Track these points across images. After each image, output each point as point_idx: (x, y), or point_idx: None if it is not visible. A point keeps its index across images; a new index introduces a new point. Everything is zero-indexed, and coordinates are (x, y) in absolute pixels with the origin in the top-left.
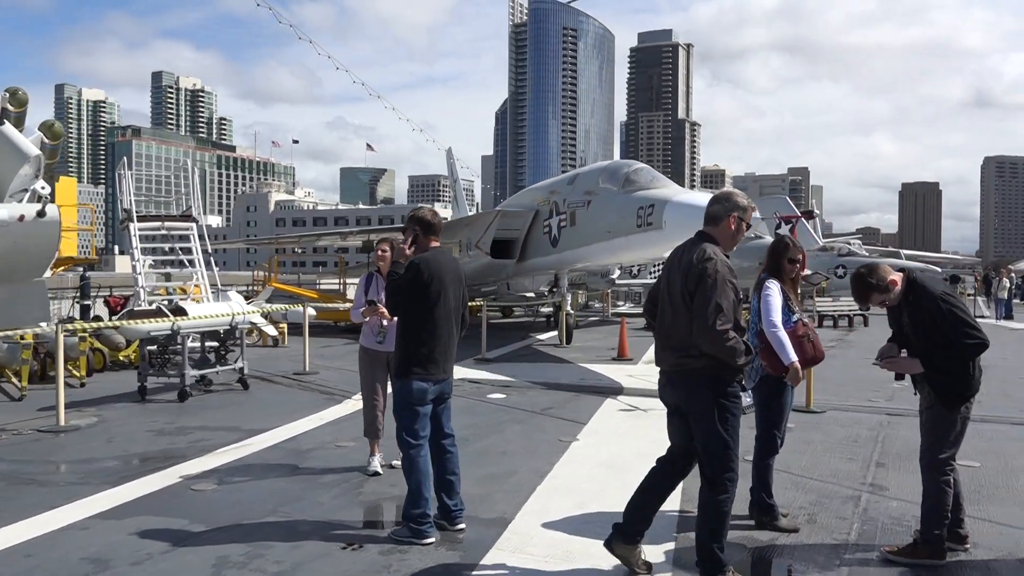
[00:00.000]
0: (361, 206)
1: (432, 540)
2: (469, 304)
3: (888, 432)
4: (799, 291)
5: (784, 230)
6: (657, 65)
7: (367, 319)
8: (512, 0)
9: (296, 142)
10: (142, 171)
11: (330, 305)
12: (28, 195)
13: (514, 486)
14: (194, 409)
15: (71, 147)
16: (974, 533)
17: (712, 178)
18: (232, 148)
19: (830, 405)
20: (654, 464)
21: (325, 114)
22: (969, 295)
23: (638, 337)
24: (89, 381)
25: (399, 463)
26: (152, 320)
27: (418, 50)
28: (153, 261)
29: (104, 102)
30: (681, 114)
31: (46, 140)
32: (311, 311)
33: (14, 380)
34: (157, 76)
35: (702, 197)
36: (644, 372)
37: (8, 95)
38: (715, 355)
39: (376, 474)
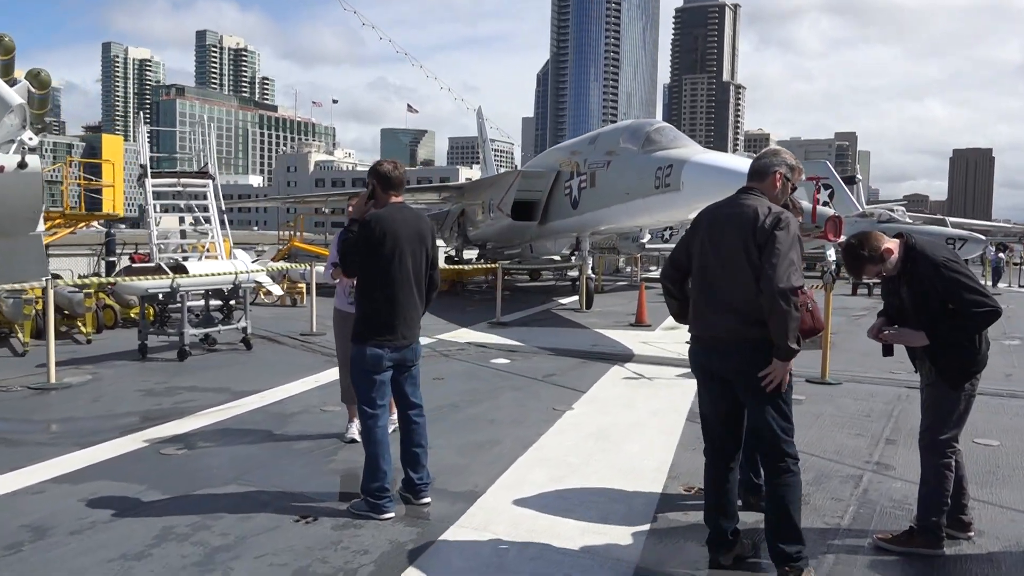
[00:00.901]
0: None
1: (390, 515)
2: (476, 266)
3: (904, 407)
4: (802, 253)
5: (824, 195)
6: (703, 26)
7: (336, 280)
8: None
9: (336, 102)
10: (186, 129)
11: None
12: (14, 146)
13: (495, 456)
14: (192, 369)
15: (117, 105)
16: (981, 519)
17: (756, 142)
18: (274, 108)
19: (848, 376)
20: (705, 464)
21: (367, 75)
22: (1016, 264)
23: (659, 303)
24: (98, 338)
25: None
26: (150, 278)
27: (460, 10)
28: (193, 219)
29: (150, 61)
30: (726, 76)
31: (33, 89)
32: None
33: (19, 335)
34: (201, 35)
35: (723, 157)
36: (660, 339)
37: None
38: (777, 321)
39: (353, 441)
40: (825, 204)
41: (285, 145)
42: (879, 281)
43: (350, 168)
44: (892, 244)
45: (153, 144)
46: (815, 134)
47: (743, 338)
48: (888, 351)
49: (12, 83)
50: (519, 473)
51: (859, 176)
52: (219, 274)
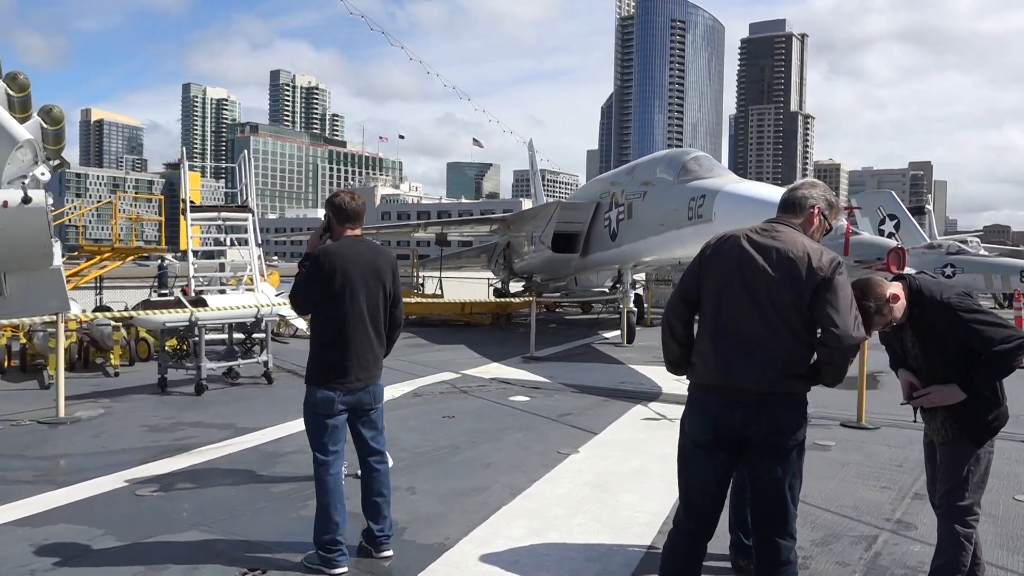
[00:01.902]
0: (463, 200)
1: (341, 570)
2: (519, 299)
3: None
4: None
5: (888, 226)
6: (769, 56)
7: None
8: None
9: (402, 137)
10: (258, 165)
11: None
12: (28, 181)
13: (478, 505)
14: (206, 404)
15: (196, 143)
16: None
17: (826, 172)
18: (343, 143)
19: (888, 420)
20: (675, 542)
21: (435, 110)
22: None
23: None
24: (129, 371)
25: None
26: (169, 311)
27: (527, 46)
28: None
29: (226, 100)
30: (794, 106)
31: (45, 125)
32: None
33: (49, 368)
34: (275, 75)
35: (756, 187)
36: None
37: (8, 79)
38: (834, 372)
39: None
40: (891, 235)
41: (353, 180)
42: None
43: (415, 201)
44: (896, 288)
45: (228, 180)
46: (888, 164)
47: (784, 393)
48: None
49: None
50: (497, 525)
51: (928, 206)
52: (240, 307)
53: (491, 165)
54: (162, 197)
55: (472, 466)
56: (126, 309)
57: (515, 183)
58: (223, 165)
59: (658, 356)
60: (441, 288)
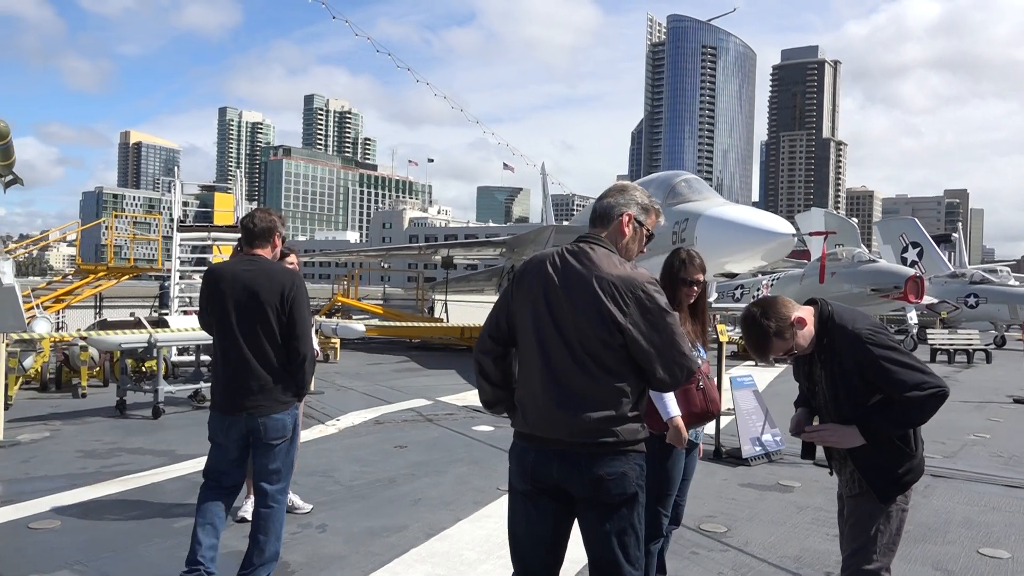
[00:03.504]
0: (491, 224)
1: None
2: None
3: (917, 501)
4: (705, 322)
5: (911, 254)
6: (801, 83)
7: None
8: (651, 19)
9: (431, 161)
10: (290, 187)
11: (385, 323)
12: None
13: (386, 547)
14: (157, 428)
15: (230, 165)
16: None
17: (859, 200)
18: (374, 167)
19: None
20: None
21: (467, 135)
22: None
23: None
24: (101, 392)
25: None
26: (126, 332)
27: (560, 72)
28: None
29: (261, 123)
30: (826, 133)
31: None
32: (360, 327)
33: (15, 387)
34: (309, 99)
35: (737, 211)
36: None
37: None
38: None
39: (243, 520)
40: (913, 264)
41: (383, 203)
42: (964, 349)
43: (443, 224)
44: (805, 313)
45: (261, 201)
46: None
47: (602, 443)
48: (809, 452)
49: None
50: (396, 570)
51: (956, 234)
52: (197, 329)
53: (521, 189)
54: (159, 216)
55: (400, 502)
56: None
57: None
58: (221, 187)
59: None
60: (446, 311)
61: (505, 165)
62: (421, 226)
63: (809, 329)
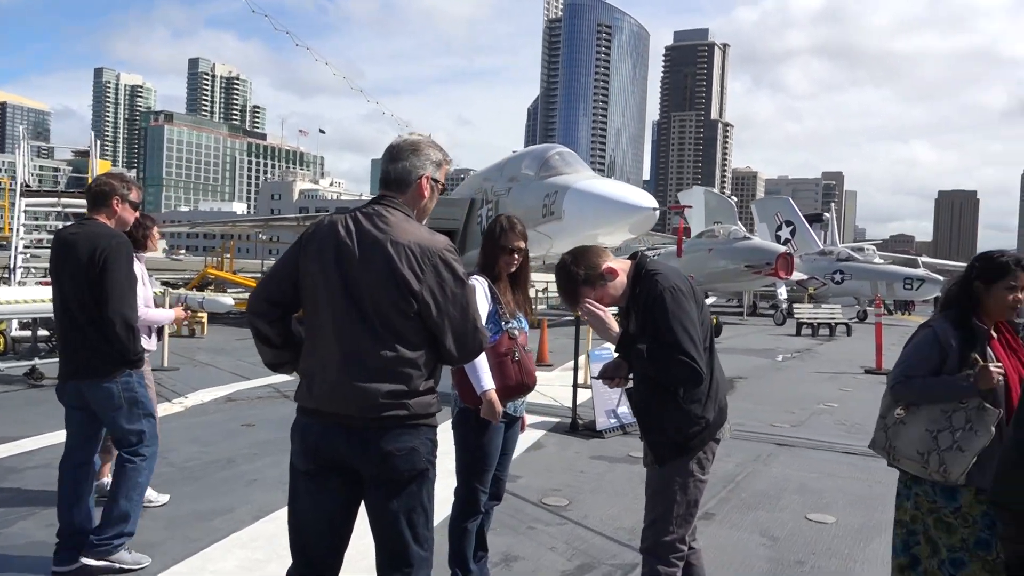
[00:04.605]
0: None
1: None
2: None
3: (757, 469)
4: (527, 292)
5: (785, 232)
6: (692, 64)
7: None
8: None
9: (323, 132)
10: (172, 155)
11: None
12: None
13: (208, 531)
14: None
15: (107, 131)
16: None
17: (744, 180)
18: (263, 136)
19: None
20: None
21: (363, 106)
22: None
23: (567, 339)
24: None
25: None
26: None
27: (458, 45)
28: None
29: (141, 87)
30: (714, 115)
31: None
32: (228, 300)
33: None
34: (194, 63)
35: (605, 184)
36: (553, 380)
37: None
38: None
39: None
40: (786, 241)
41: (272, 174)
42: (826, 323)
43: (335, 197)
44: (619, 265)
45: (142, 169)
46: (803, 173)
47: (393, 415)
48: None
49: None
50: (214, 554)
51: (827, 214)
52: (32, 301)
53: None
54: (7, 180)
55: (235, 483)
56: None
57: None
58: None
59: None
60: None
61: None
62: (312, 198)
63: (621, 280)
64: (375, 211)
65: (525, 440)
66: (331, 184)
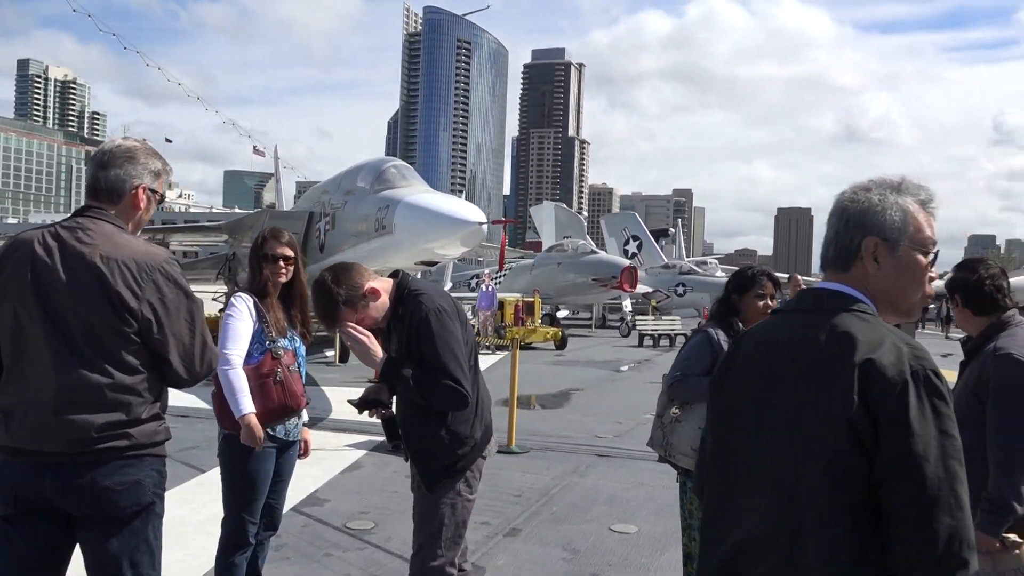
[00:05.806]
0: (238, 209)
1: None
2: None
3: (573, 482)
4: (305, 308)
5: (632, 246)
6: (550, 83)
7: None
8: (407, 8)
9: (169, 141)
10: None
11: None
12: None
13: None
14: None
15: None
16: None
17: (600, 196)
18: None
19: (545, 443)
20: None
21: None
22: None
23: None
24: None
25: None
26: None
27: (317, 56)
28: None
29: None
30: (571, 132)
31: None
32: None
33: None
34: (23, 64)
35: (435, 199)
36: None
37: None
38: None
39: None
40: (633, 255)
41: None
42: (666, 334)
43: (183, 209)
44: (381, 285)
45: None
46: (655, 190)
47: (111, 447)
48: (392, 435)
49: None
50: None
51: (672, 229)
52: None
53: (273, 174)
54: None
55: None
56: None
57: (298, 194)
58: None
59: (362, 375)
60: None
61: (255, 149)
62: (158, 211)
63: (384, 301)
64: (79, 224)
65: (342, 461)
66: (179, 196)
